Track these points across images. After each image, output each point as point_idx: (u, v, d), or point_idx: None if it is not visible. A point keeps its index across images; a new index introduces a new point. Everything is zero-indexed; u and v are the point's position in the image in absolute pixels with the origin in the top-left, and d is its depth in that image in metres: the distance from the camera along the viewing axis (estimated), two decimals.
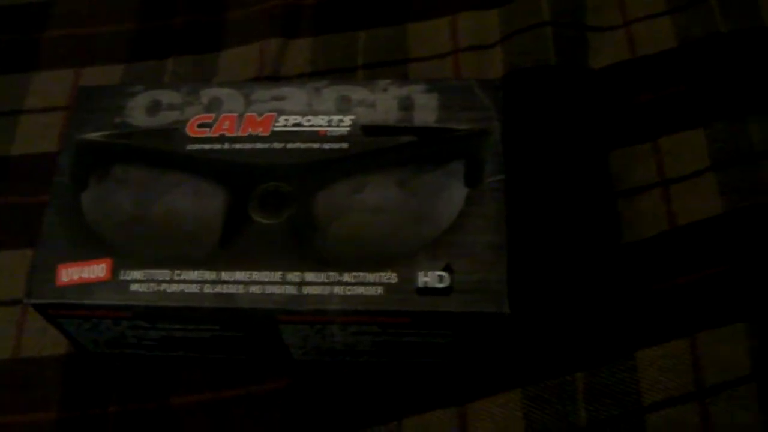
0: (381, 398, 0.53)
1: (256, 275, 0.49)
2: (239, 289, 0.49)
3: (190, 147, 0.53)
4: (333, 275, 0.49)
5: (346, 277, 0.49)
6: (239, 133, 0.54)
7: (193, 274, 0.50)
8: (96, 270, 0.50)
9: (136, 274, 0.50)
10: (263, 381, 0.55)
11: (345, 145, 0.53)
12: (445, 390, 0.53)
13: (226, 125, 0.54)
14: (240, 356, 0.54)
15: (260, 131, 0.53)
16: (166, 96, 0.56)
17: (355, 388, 0.54)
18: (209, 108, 0.55)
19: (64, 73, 0.71)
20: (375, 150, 0.52)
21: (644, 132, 0.61)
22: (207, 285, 0.49)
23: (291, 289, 0.49)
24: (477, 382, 0.53)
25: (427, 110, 0.54)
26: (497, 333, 0.49)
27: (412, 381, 0.54)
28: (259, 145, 0.53)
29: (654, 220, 0.57)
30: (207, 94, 0.56)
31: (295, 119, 0.54)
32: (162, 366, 0.57)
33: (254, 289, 0.49)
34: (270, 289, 0.49)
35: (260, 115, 0.54)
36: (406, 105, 0.54)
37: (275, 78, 0.67)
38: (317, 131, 0.53)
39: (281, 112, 0.54)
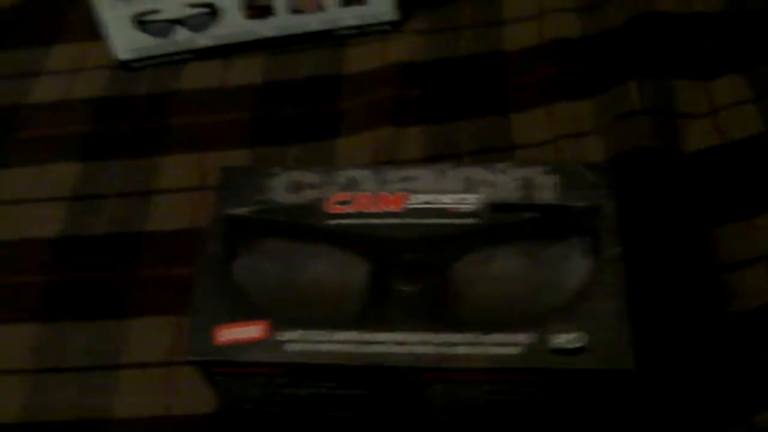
0: None
1: (402, 336, 0.54)
2: (388, 349, 0.53)
3: (330, 222, 0.59)
4: (474, 336, 0.53)
5: (486, 338, 0.53)
6: (375, 210, 0.59)
7: (345, 335, 0.54)
8: (252, 331, 0.55)
9: (290, 335, 0.55)
10: None
11: (473, 221, 0.58)
12: None
13: (362, 202, 0.59)
14: (383, 415, 0.58)
15: (393, 208, 0.59)
16: (305, 176, 0.61)
17: None
18: (346, 187, 0.60)
19: (191, 157, 0.77)
20: (501, 224, 0.58)
21: (740, 211, 0.66)
22: (358, 345, 0.54)
23: (436, 350, 0.53)
24: None
25: (545, 189, 0.59)
26: (622, 392, 0.53)
27: None
28: (394, 221, 0.58)
29: (757, 292, 0.62)
30: (343, 175, 0.61)
31: (426, 197, 0.59)
32: (308, 425, 0.61)
33: (401, 349, 0.53)
34: (416, 349, 0.53)
35: (392, 193, 0.59)
36: (526, 185, 0.59)
37: (390, 163, 0.72)
38: (446, 208, 0.58)
39: (412, 191, 0.60)
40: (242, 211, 0.60)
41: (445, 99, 0.77)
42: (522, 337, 0.53)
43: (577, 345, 0.52)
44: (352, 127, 0.76)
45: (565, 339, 0.52)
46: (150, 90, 0.82)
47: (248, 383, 0.57)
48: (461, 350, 0.53)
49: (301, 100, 0.79)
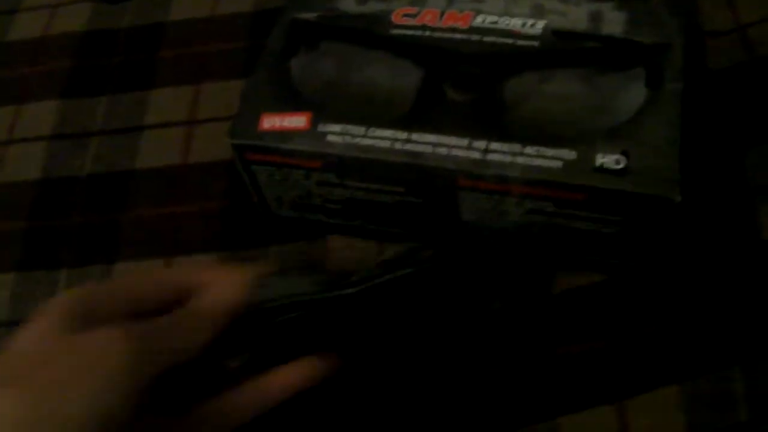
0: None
1: (444, 139, 0.53)
2: (427, 149, 0.53)
3: (393, 31, 0.58)
4: (516, 146, 0.52)
5: (528, 149, 0.52)
6: (440, 25, 0.58)
7: (386, 133, 0.54)
8: (296, 120, 0.55)
9: (334, 127, 0.55)
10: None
11: (536, 44, 0.57)
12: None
13: (428, 17, 0.59)
14: (415, 230, 0.58)
15: (459, 24, 0.58)
16: None
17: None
18: (414, 3, 0.60)
19: (181, 90, 0.75)
20: (563, 50, 0.56)
21: None
22: (398, 143, 0.54)
23: (475, 155, 0.53)
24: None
25: (614, 24, 0.57)
26: (664, 229, 0.52)
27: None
28: (458, 36, 0.58)
29: None
30: None
31: (492, 18, 0.59)
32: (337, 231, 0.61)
33: (441, 150, 0.53)
34: (456, 153, 0.53)
35: (461, 12, 0.59)
36: (595, 17, 0.58)
37: None
38: (512, 30, 0.58)
39: (480, 12, 0.59)
40: (308, 15, 0.60)
41: None
42: (566, 153, 0.52)
43: (622, 166, 0.50)
44: None
45: (610, 159, 0.51)
46: (135, 23, 0.81)
47: (284, 177, 0.57)
48: (501, 158, 0.52)
49: None
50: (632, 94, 0.54)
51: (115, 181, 0.69)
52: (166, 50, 0.77)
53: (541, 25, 0.57)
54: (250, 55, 0.75)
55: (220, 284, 0.49)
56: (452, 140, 0.53)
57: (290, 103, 0.56)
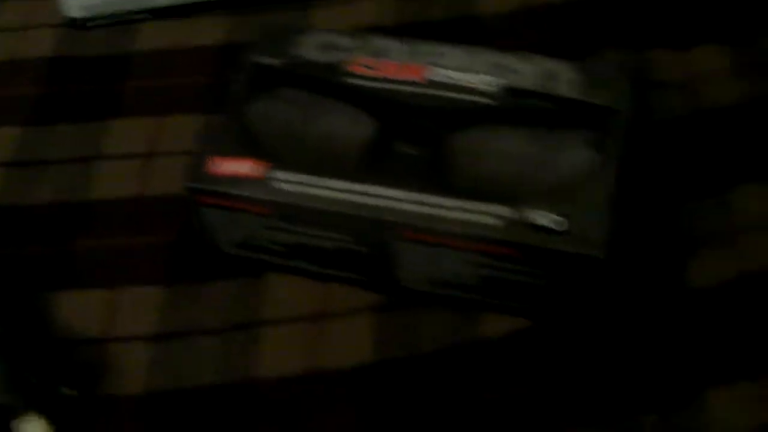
0: None
1: (391, 192, 0.55)
2: (375, 201, 0.55)
3: (350, 81, 0.60)
4: (458, 202, 0.54)
5: (470, 205, 0.54)
6: (397, 77, 0.59)
7: (336, 183, 0.55)
8: (248, 167, 0.57)
9: (284, 176, 0.56)
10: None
11: (490, 101, 0.58)
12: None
13: (386, 69, 0.60)
14: (353, 276, 0.60)
15: (417, 78, 0.59)
16: (338, 39, 0.62)
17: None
18: (375, 54, 0.61)
19: (143, 123, 0.74)
20: (515, 107, 0.58)
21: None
22: (347, 193, 0.55)
23: (421, 209, 0.54)
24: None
25: (568, 84, 0.59)
26: (591, 284, 0.54)
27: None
28: (414, 89, 0.59)
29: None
30: (375, 42, 0.62)
31: (450, 73, 0.60)
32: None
33: (388, 203, 0.54)
34: (402, 206, 0.54)
35: (419, 65, 0.60)
36: (551, 77, 0.59)
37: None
38: (467, 86, 0.59)
39: (438, 66, 0.60)
40: (270, 61, 0.62)
41: None
42: (505, 210, 0.53)
43: (556, 226, 0.52)
44: None
45: (545, 218, 0.52)
46: (102, 51, 0.79)
47: (233, 220, 0.58)
48: (444, 213, 0.54)
49: None
50: (576, 155, 0.55)
51: (71, 211, 0.68)
52: (131, 80, 0.77)
53: (497, 82, 0.58)
54: (214, 91, 0.75)
55: None
56: (399, 194, 0.54)
57: (245, 148, 0.57)
